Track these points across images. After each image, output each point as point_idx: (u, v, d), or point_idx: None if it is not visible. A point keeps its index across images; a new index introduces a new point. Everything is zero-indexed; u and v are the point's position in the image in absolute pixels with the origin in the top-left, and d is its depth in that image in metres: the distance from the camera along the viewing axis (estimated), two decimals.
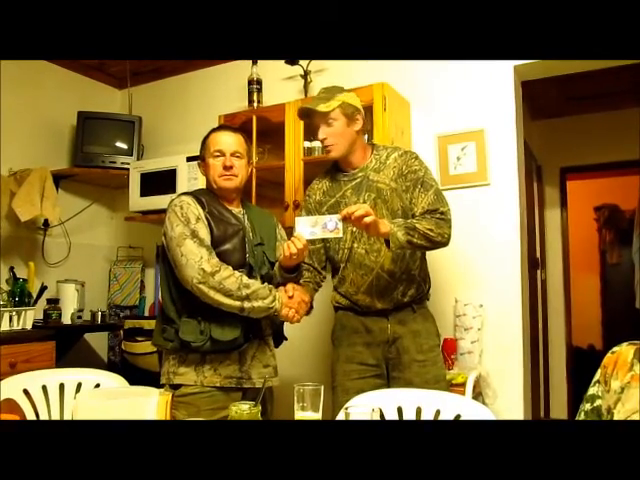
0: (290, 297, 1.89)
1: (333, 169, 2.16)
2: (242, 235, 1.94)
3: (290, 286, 1.93)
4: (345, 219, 1.78)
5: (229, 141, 1.97)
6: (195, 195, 1.95)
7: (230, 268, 1.82)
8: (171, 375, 1.88)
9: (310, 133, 2.82)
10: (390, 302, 2.05)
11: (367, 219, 1.77)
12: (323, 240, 2.08)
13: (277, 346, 2.05)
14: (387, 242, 1.88)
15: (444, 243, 1.97)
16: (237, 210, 2.01)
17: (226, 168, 1.94)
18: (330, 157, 2.07)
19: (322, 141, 2.04)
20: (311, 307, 2.03)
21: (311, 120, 2.06)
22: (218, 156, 1.95)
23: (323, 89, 2.06)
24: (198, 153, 2.06)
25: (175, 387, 1.84)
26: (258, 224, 2.02)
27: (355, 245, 2.05)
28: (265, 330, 1.98)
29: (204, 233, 1.85)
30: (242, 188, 2.04)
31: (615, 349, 1.24)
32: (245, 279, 1.83)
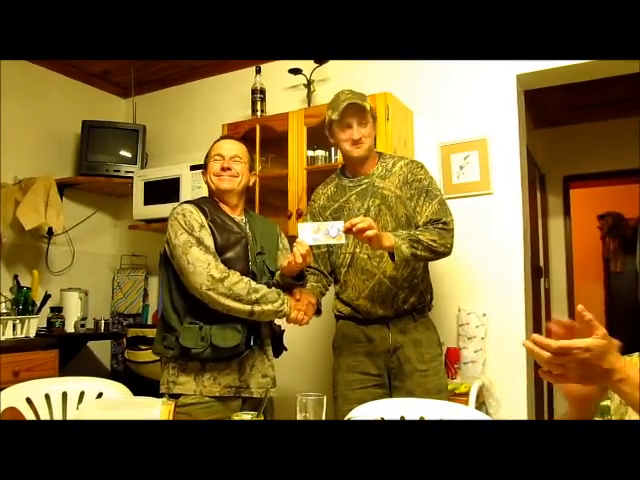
0: (297, 300, 1.92)
1: (339, 175, 2.17)
2: (245, 243, 1.95)
3: (297, 290, 1.95)
4: (348, 231, 1.78)
5: (229, 147, 2.02)
6: (197, 203, 1.96)
7: (238, 274, 1.84)
8: (170, 385, 1.88)
9: (314, 142, 2.84)
10: (391, 309, 2.05)
11: (369, 232, 1.77)
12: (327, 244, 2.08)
13: (277, 356, 2.05)
14: (391, 254, 1.89)
15: (446, 253, 1.98)
16: (239, 218, 2.02)
17: (224, 169, 1.97)
18: (355, 155, 2.04)
19: (356, 140, 2.01)
20: (319, 310, 2.04)
21: (344, 118, 2.01)
22: (218, 160, 1.98)
23: (348, 91, 2.05)
24: (201, 162, 2.09)
25: (174, 397, 1.83)
26: (259, 233, 2.03)
27: (357, 250, 2.05)
28: (265, 340, 1.99)
29: (209, 240, 1.87)
30: (243, 194, 2.05)
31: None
32: (254, 284, 1.85)
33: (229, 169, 1.97)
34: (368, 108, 2.01)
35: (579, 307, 0.96)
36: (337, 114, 2.00)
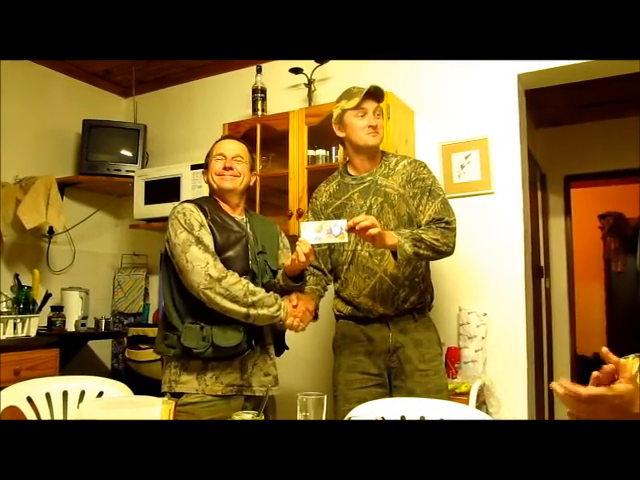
0: (294, 306, 1.91)
1: (341, 173, 2.17)
2: (245, 242, 1.95)
3: (294, 295, 1.95)
4: (350, 229, 1.78)
5: (231, 147, 2.02)
6: (197, 203, 1.96)
7: (236, 275, 1.84)
8: (173, 384, 1.88)
9: (315, 141, 2.84)
10: (391, 307, 2.05)
11: (372, 231, 1.76)
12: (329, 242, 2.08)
13: (278, 355, 2.06)
14: (394, 253, 1.89)
15: (449, 253, 1.98)
16: (240, 218, 2.02)
17: (226, 169, 1.97)
18: (371, 143, 2.05)
19: (373, 126, 2.02)
20: (316, 315, 2.04)
21: (362, 104, 2.01)
22: (220, 159, 1.99)
23: (358, 87, 2.06)
24: (202, 161, 2.09)
25: (176, 395, 1.84)
26: (260, 232, 2.04)
27: (359, 248, 2.05)
28: (266, 338, 1.99)
29: (208, 239, 1.87)
30: (244, 193, 2.06)
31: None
32: (251, 286, 1.84)
33: (231, 169, 1.97)
34: (384, 98, 2.07)
35: (603, 350, 0.94)
36: (356, 100, 2.00)
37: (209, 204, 1.97)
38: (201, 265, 1.80)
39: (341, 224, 1.76)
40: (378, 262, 2.03)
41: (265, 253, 2.00)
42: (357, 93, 2.02)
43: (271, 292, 1.90)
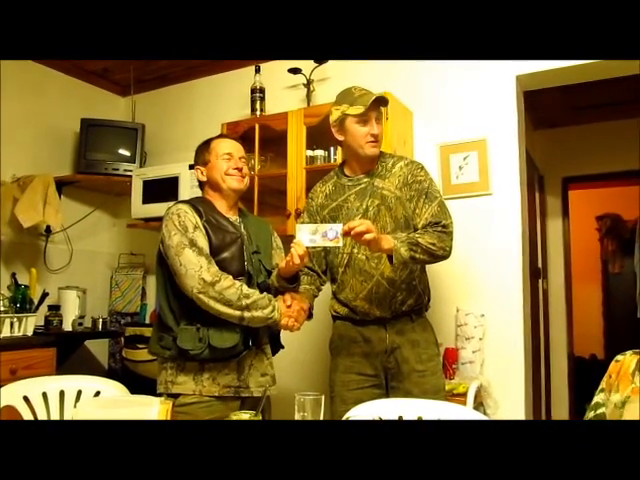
0: (288, 306, 1.90)
1: (337, 173, 2.16)
2: (240, 243, 1.94)
3: (288, 295, 1.94)
4: (346, 234, 1.77)
5: (237, 147, 2.03)
6: (192, 203, 1.95)
7: (230, 278, 1.83)
8: (169, 384, 1.87)
9: (313, 141, 2.83)
10: (389, 310, 2.04)
11: (368, 236, 1.76)
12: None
13: (274, 354, 2.05)
14: (390, 257, 1.88)
15: (445, 257, 1.97)
16: (234, 218, 2.02)
17: (237, 169, 1.98)
18: (370, 153, 2.02)
19: (375, 135, 1.98)
20: (310, 314, 2.03)
21: (367, 112, 1.96)
22: (227, 159, 1.98)
23: (360, 87, 2.02)
24: None
25: (173, 396, 1.82)
26: (254, 232, 2.03)
27: (355, 251, 2.04)
28: (262, 338, 1.98)
29: (202, 242, 1.85)
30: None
31: (619, 357, 1.23)
32: (245, 289, 1.83)
33: (241, 169, 1.98)
34: (387, 103, 2.03)
35: None
36: (361, 108, 1.95)
37: (204, 205, 1.96)
38: (195, 269, 1.79)
39: (336, 228, 1.75)
40: (375, 265, 2.02)
41: (259, 253, 2.00)
42: (360, 98, 1.96)
43: (265, 293, 1.89)
